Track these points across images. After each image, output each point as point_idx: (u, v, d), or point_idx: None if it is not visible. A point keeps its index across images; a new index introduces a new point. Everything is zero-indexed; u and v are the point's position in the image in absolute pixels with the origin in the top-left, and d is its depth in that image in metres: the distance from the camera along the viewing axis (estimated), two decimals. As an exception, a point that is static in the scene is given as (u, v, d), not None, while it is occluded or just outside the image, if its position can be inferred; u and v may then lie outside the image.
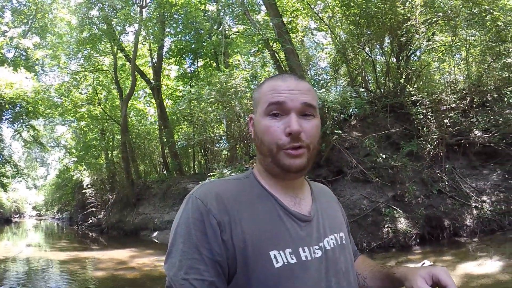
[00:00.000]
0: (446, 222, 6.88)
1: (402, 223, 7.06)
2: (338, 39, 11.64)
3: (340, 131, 8.76)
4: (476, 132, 7.67)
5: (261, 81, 1.05)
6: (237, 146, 11.88)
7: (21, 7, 16.68)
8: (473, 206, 6.97)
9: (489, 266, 4.93)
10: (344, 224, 1.08)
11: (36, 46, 14.90)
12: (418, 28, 8.23)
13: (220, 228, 0.81)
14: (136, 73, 15.31)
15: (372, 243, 6.89)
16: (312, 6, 12.51)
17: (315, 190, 1.05)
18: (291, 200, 0.94)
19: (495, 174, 7.46)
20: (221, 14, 14.50)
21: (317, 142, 0.93)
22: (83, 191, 17.43)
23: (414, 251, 6.58)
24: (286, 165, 0.88)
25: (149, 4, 15.54)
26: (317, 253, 0.89)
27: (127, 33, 16.77)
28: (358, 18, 9.56)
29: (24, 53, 16.11)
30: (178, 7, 14.85)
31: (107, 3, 13.24)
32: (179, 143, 16.15)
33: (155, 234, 11.96)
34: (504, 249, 5.62)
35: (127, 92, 16.04)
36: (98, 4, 13.42)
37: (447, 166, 7.69)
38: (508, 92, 7.14)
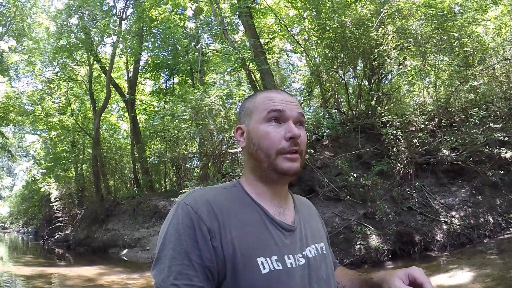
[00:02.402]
0: (417, 238, 7.02)
1: (374, 240, 7.16)
2: (312, 61, 11.95)
3: (312, 151, 8.92)
4: (444, 151, 7.90)
5: (251, 94, 1.09)
6: (210, 164, 11.78)
7: (0, 8, 16.16)
8: (443, 221, 7.15)
9: (460, 277, 5.07)
10: (324, 236, 1.14)
11: (12, 50, 14.43)
12: (389, 53, 8.52)
13: (211, 235, 0.84)
14: (111, 85, 15.06)
15: (344, 260, 6.91)
16: (289, 29, 12.87)
17: (297, 202, 1.10)
18: (276, 210, 0.98)
19: (463, 190, 7.70)
20: (199, 32, 14.66)
21: (306, 150, 1.00)
22: (50, 204, 16.54)
23: (387, 267, 6.65)
24: (285, 169, 0.93)
25: (129, 17, 15.50)
26: (301, 261, 0.93)
27: (105, 44, 16.56)
28: (332, 42, 9.85)
29: (-1, 56, 15.57)
30: (158, 22, 14.88)
31: (87, 13, 13.12)
32: (151, 159, 15.88)
33: (125, 251, 11.51)
34: (474, 261, 5.78)
35: (101, 104, 15.71)
36: (78, 13, 13.25)
37: (417, 184, 7.90)
38: (474, 113, 7.46)
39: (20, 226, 29.47)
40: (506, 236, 6.84)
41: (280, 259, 0.88)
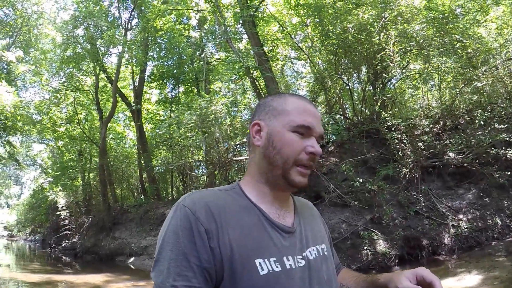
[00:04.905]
0: (425, 242, 6.95)
1: (381, 245, 7.10)
2: (316, 68, 12.02)
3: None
4: (450, 154, 7.81)
5: (279, 93, 1.08)
6: (216, 172, 11.80)
7: (7, 19, 16.48)
8: (450, 224, 7.06)
9: (469, 280, 5.02)
10: (326, 237, 1.14)
11: (19, 61, 14.68)
12: (392, 57, 8.52)
13: (208, 236, 0.84)
14: (117, 95, 15.22)
15: (352, 266, 6.86)
16: (292, 36, 12.96)
17: (298, 204, 1.11)
18: (276, 212, 0.98)
19: (470, 193, 7.60)
20: (204, 41, 14.81)
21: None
22: (58, 213, 16.65)
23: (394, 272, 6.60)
24: (295, 182, 0.95)
25: (134, 27, 15.73)
26: (301, 263, 0.93)
27: (111, 54, 16.79)
28: (336, 48, 9.89)
29: (6, 66, 15.80)
30: (162, 32, 15.08)
31: (92, 23, 13.34)
32: (157, 168, 15.94)
33: (132, 259, 11.53)
34: (482, 263, 5.71)
35: (107, 113, 15.86)
36: (84, 24, 13.49)
37: (423, 187, 7.82)
38: (478, 115, 7.40)
39: (28, 234, 29.49)
40: (514, 238, 6.76)
41: (279, 261, 0.88)
